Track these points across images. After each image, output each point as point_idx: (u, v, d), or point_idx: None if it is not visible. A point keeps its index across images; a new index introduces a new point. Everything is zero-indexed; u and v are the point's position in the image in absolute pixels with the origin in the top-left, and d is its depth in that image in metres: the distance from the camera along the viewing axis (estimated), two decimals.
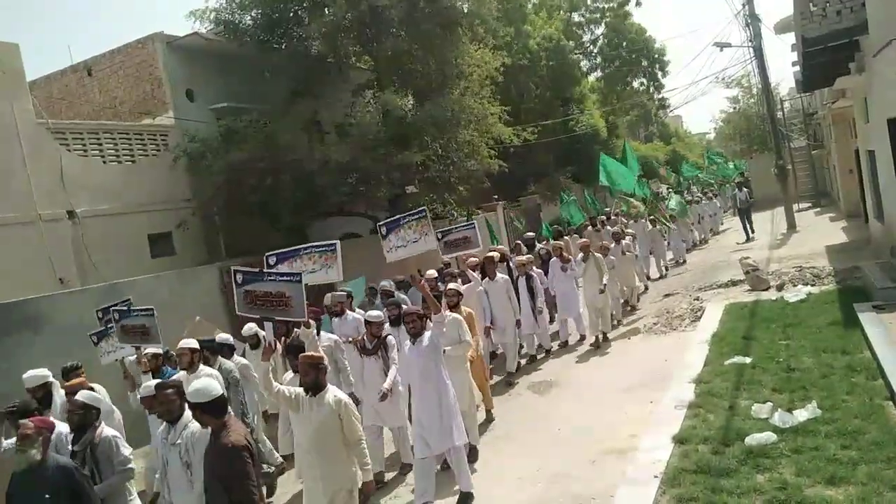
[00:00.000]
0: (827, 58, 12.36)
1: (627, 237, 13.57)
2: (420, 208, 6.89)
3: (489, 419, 7.85)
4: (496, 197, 20.62)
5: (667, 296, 13.29)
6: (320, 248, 6.30)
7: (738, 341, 8.47)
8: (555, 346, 10.95)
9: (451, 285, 7.64)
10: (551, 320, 11.39)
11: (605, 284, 10.38)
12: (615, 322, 11.53)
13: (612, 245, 12.36)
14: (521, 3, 28.07)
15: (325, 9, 14.07)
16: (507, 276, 9.71)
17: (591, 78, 35.35)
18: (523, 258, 10.51)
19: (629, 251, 12.95)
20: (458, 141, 15.59)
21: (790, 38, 13.80)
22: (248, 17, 14.83)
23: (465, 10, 15.92)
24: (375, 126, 14.37)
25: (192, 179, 13.74)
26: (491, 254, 10.09)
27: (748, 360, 7.59)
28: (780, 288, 11.24)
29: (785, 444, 5.32)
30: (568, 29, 29.93)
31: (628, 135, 39.16)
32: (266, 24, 14.71)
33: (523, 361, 10.16)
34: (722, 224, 25.20)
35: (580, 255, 10.90)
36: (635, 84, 37.32)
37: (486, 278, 9.27)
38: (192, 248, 13.63)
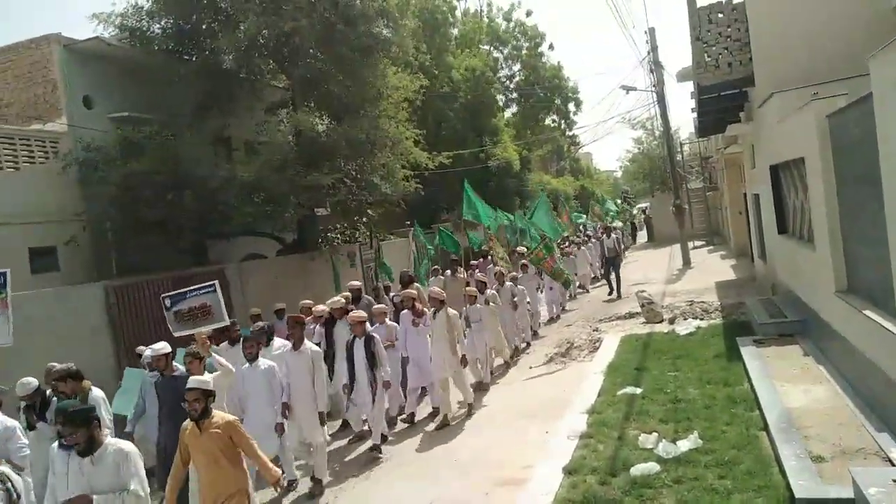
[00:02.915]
0: (720, 106, 13.30)
1: (507, 283, 11.72)
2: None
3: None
4: (409, 223, 20.63)
5: (568, 326, 13.63)
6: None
7: (631, 372, 8.77)
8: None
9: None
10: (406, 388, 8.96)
11: (463, 352, 8.71)
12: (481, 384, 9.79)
13: (487, 292, 10.44)
14: (444, 32, 28.67)
15: (240, 24, 13.74)
16: (317, 346, 7.40)
17: (507, 113, 36.36)
18: (360, 313, 7.88)
19: (494, 302, 10.44)
20: (372, 164, 15.52)
21: (690, 86, 14.79)
22: (157, 26, 14.23)
23: (384, 36, 15.99)
24: (287, 145, 14.06)
25: (84, 192, 12.89)
26: (335, 301, 8.83)
27: (639, 390, 7.85)
28: (672, 321, 11.79)
29: (667, 474, 5.49)
30: (487, 64, 30.73)
31: (541, 169, 40.48)
32: (176, 34, 14.17)
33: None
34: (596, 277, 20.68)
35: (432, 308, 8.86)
36: (548, 121, 38.70)
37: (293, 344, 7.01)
38: (79, 265, 12.71)
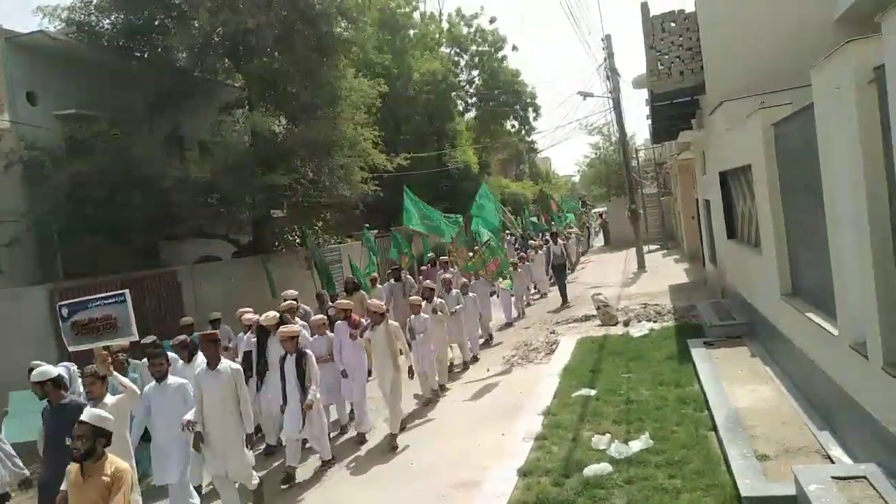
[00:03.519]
0: (673, 113, 13.63)
1: (454, 290, 11.22)
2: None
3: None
4: (368, 225, 20.50)
5: (526, 328, 13.74)
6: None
7: (587, 374, 8.89)
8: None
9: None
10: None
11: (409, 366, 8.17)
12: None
13: (436, 300, 10.09)
14: (405, 34, 28.65)
15: (194, 21, 13.46)
16: (237, 366, 6.46)
17: (467, 117, 36.54)
18: (294, 327, 7.32)
19: (441, 311, 10.05)
20: (330, 165, 15.37)
21: (645, 93, 15.08)
22: (107, 21, 13.84)
23: (343, 37, 15.89)
24: (242, 146, 13.82)
25: (29, 191, 12.41)
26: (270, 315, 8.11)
27: (593, 392, 7.96)
28: (626, 324, 11.99)
29: (619, 474, 5.57)
30: (447, 68, 30.84)
31: (500, 173, 40.79)
32: (127, 30, 13.80)
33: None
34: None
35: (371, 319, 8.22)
36: (507, 125, 39.01)
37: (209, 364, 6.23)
38: (23, 268, 12.24)
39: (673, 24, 11.72)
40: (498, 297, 14.61)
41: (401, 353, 8.10)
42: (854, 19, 8.97)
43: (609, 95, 22.69)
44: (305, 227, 16.70)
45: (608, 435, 6.37)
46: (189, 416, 5.94)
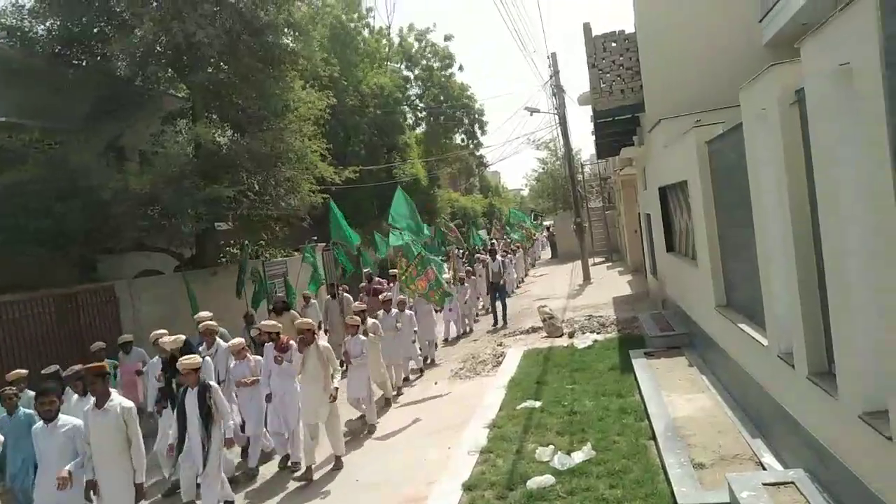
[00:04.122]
0: (615, 129, 14.01)
1: (393, 310, 10.70)
2: None
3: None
4: (315, 238, 20.26)
5: (474, 341, 13.80)
6: None
7: (532, 386, 8.98)
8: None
9: None
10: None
11: (335, 388, 7.33)
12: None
13: (368, 321, 9.48)
14: (355, 47, 28.61)
15: (135, 30, 13.10)
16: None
17: (417, 131, 36.69)
18: (193, 360, 6.33)
19: (375, 332, 9.49)
20: (276, 177, 15.13)
21: (591, 109, 15.45)
22: (42, 27, 13.33)
23: (290, 48, 15.73)
24: (185, 157, 13.48)
25: None
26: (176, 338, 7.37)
27: (538, 403, 8.05)
28: (571, 335, 12.19)
29: (561, 485, 5.64)
30: (396, 83, 30.94)
31: (450, 186, 41.02)
32: (64, 37, 13.29)
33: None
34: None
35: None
36: (457, 139, 39.35)
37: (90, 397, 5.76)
38: None
39: (614, 44, 12.10)
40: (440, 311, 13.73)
41: (333, 378, 7.39)
42: (783, 43, 9.45)
43: (555, 112, 23.17)
44: (251, 240, 16.34)
45: (552, 446, 6.45)
46: (67, 469, 5.29)
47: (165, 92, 15.66)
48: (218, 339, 8.28)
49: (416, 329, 11.55)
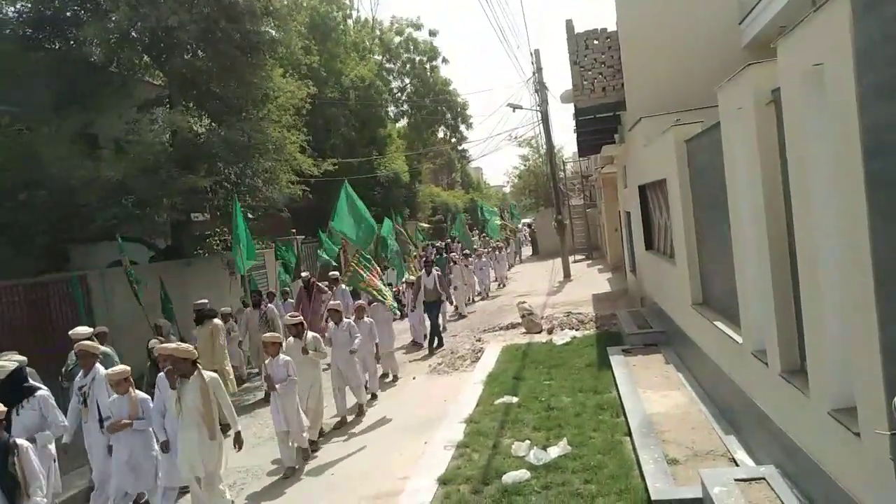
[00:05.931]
0: (597, 127, 14.04)
1: (345, 320, 9.15)
2: None
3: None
4: (294, 231, 20.09)
5: (453, 336, 13.78)
6: None
7: (510, 381, 8.98)
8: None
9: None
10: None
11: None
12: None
13: (308, 335, 7.91)
14: (337, 37, 28.36)
15: (110, 15, 12.81)
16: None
17: (399, 124, 36.54)
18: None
19: (317, 348, 7.96)
20: (254, 168, 14.95)
21: (573, 107, 15.44)
22: (12, 9, 13.01)
23: (270, 36, 15.51)
24: (160, 145, 13.24)
25: None
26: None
27: (515, 399, 8.05)
28: (550, 331, 12.23)
29: (537, 480, 5.63)
30: (379, 74, 30.75)
31: (431, 181, 40.94)
32: (34, 20, 12.96)
33: None
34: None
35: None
36: (440, 134, 39.27)
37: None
38: None
39: (596, 42, 12.11)
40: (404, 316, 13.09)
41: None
42: (762, 45, 9.52)
43: (538, 108, 23.19)
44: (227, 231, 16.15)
45: (528, 442, 6.44)
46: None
47: (141, 79, 15.36)
48: (97, 364, 6.58)
49: (377, 342, 9.69)
